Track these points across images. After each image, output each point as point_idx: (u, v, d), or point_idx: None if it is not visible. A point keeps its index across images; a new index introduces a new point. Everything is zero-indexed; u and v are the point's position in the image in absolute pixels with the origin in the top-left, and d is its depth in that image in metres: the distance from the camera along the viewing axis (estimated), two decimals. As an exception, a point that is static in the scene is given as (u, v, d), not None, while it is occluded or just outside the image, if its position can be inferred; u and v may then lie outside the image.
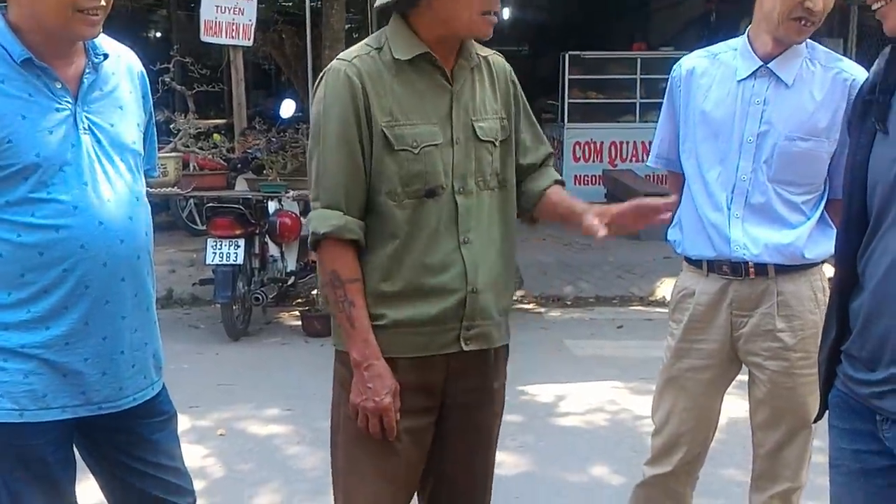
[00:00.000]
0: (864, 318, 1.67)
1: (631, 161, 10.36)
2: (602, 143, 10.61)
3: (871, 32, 8.42)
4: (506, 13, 20.42)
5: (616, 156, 10.58)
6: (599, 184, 10.38)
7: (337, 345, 2.09)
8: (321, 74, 2.02)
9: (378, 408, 1.95)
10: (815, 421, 1.93)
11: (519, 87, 2.16)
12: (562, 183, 2.23)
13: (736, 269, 2.46)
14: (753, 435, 2.59)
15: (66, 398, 1.90)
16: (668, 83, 2.62)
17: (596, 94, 10.79)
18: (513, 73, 2.16)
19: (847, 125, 1.84)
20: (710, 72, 2.51)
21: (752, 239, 2.43)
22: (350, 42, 10.09)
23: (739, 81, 2.45)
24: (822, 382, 1.83)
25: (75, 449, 2.03)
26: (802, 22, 2.33)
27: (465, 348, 2.03)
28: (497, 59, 2.14)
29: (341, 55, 2.03)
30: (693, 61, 2.56)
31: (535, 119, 2.22)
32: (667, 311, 2.74)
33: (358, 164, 1.95)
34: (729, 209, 2.44)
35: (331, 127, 1.95)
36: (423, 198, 1.97)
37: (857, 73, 2.39)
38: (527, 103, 2.19)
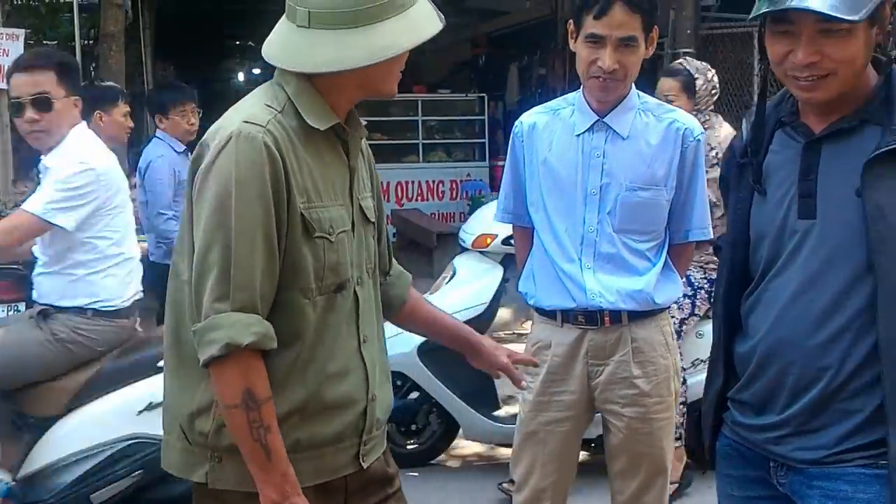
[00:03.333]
0: (755, 365, 1.70)
1: (417, 200, 10.53)
2: (389, 182, 10.69)
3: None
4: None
5: (402, 195, 10.72)
6: (388, 224, 10.44)
7: (218, 482, 1.66)
8: (225, 139, 1.60)
9: None
10: (704, 471, 1.97)
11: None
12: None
13: (591, 318, 2.50)
14: (611, 483, 2.62)
15: None
16: (511, 139, 2.65)
17: (381, 136, 10.91)
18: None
19: (722, 183, 1.89)
20: (551, 126, 2.56)
21: (606, 287, 2.48)
22: (140, 80, 9.44)
23: (578, 135, 2.51)
24: (708, 431, 1.84)
25: None
26: (601, 79, 2.41)
27: (365, 465, 1.77)
28: None
29: (248, 117, 1.63)
30: (534, 117, 2.61)
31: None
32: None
33: (275, 257, 1.62)
34: (580, 260, 2.49)
35: (247, 210, 1.58)
36: (333, 293, 1.70)
37: (689, 123, 2.53)
38: None
